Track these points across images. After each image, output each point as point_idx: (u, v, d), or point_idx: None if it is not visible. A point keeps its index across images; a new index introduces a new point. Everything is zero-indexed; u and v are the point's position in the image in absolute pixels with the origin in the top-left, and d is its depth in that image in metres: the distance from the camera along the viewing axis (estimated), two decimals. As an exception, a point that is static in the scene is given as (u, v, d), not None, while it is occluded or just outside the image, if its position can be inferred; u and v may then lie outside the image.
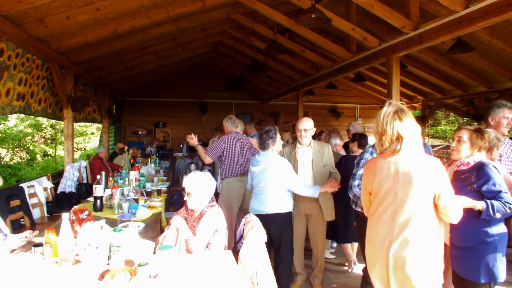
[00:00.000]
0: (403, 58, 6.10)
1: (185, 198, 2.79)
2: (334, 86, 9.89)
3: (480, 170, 2.43)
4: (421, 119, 11.18)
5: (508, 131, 3.33)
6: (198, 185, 2.74)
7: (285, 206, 3.40)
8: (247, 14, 6.49)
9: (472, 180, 2.45)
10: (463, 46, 5.50)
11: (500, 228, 2.43)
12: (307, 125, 3.52)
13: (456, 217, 2.03)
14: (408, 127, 2.02)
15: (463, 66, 7.68)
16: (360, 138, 4.04)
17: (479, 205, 2.36)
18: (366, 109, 13.62)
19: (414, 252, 1.96)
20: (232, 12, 6.28)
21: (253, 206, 3.49)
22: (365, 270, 3.06)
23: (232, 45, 8.55)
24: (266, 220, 3.29)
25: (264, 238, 2.53)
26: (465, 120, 12.09)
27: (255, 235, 2.46)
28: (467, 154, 2.53)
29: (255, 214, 3.42)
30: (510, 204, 2.32)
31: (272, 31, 6.50)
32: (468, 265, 2.44)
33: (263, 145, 3.44)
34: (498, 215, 2.32)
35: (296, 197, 3.58)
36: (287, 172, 3.33)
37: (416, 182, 1.99)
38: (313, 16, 4.17)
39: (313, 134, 3.59)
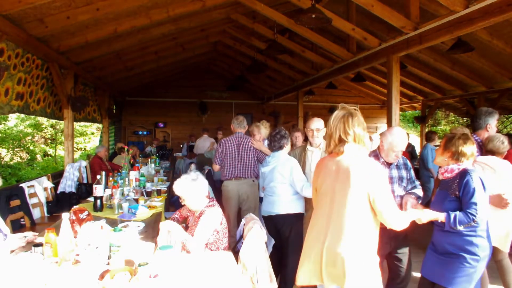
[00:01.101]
0: (403, 58, 6.10)
1: (181, 202, 2.81)
2: (334, 86, 9.89)
3: (462, 178, 2.36)
4: (421, 119, 11.19)
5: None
6: (184, 188, 2.74)
7: (295, 207, 3.33)
8: (247, 14, 6.49)
9: (454, 188, 2.40)
10: (463, 46, 5.49)
11: (483, 241, 2.35)
12: (319, 125, 3.45)
13: (395, 225, 2.05)
14: (353, 131, 2.08)
15: (463, 66, 7.67)
16: None
17: (441, 216, 2.36)
18: (366, 109, 13.61)
19: (345, 249, 2.01)
20: (232, 12, 6.28)
21: (264, 208, 3.44)
22: None
23: (232, 45, 8.55)
24: (276, 221, 3.26)
25: (264, 238, 2.53)
26: (465, 120, 12.09)
27: (255, 235, 2.46)
28: (440, 159, 2.50)
29: (265, 216, 3.39)
30: (475, 216, 2.25)
31: (272, 31, 6.50)
32: (444, 270, 2.39)
33: (279, 146, 3.41)
34: (461, 227, 2.28)
35: (307, 198, 3.49)
36: (294, 171, 3.27)
37: (352, 183, 2.04)
38: (313, 16, 4.16)
39: (324, 134, 3.45)
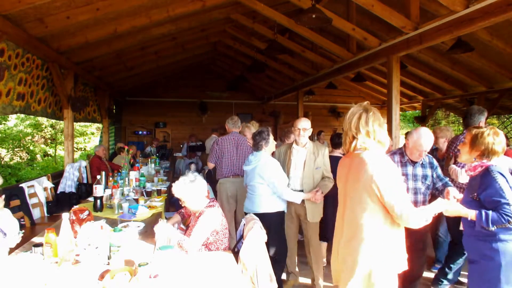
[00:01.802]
0: (403, 58, 6.10)
1: (181, 204, 2.82)
2: (334, 86, 9.89)
3: (484, 176, 2.20)
4: (421, 119, 11.18)
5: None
6: (183, 190, 2.75)
7: (275, 205, 3.40)
8: (247, 14, 6.49)
9: (475, 188, 2.24)
10: (463, 46, 5.50)
11: (505, 246, 2.13)
12: (305, 125, 3.51)
13: (410, 221, 1.89)
14: (366, 128, 2.01)
15: (463, 66, 7.67)
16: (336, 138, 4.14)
17: (471, 213, 2.17)
18: (366, 109, 13.60)
19: (355, 248, 1.99)
20: (232, 12, 6.27)
21: (246, 205, 3.55)
22: None
23: (232, 45, 8.55)
24: (260, 219, 3.29)
25: (264, 238, 2.54)
26: (465, 120, 12.06)
27: (255, 235, 2.46)
28: (466, 158, 2.34)
29: (247, 214, 3.42)
30: (510, 217, 2.06)
31: (272, 31, 6.50)
32: (471, 278, 2.29)
33: (256, 146, 3.48)
34: (493, 228, 2.10)
35: None
36: (273, 172, 3.34)
37: (361, 180, 1.98)
38: (313, 16, 4.16)
39: (309, 134, 3.59)
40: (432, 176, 2.92)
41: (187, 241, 2.54)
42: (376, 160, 1.97)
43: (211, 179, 5.92)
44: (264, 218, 3.26)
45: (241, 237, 2.78)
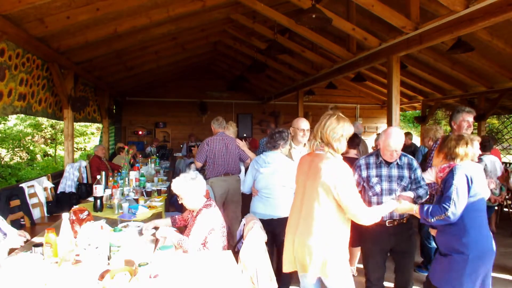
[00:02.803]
0: (403, 58, 6.09)
1: (179, 201, 2.83)
2: (334, 86, 9.88)
3: (448, 175, 2.35)
4: (421, 119, 11.18)
5: (472, 133, 3.50)
6: (183, 187, 2.77)
7: None
8: (247, 14, 6.49)
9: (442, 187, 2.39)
10: (463, 46, 5.49)
11: (479, 239, 2.28)
12: (308, 125, 3.51)
13: (363, 220, 2.21)
14: (326, 133, 2.26)
15: (463, 66, 7.67)
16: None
17: (415, 208, 2.38)
18: (366, 109, 13.62)
19: (310, 240, 2.23)
20: (232, 12, 6.27)
21: (259, 210, 3.31)
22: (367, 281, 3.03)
23: (232, 45, 8.55)
24: (275, 224, 3.18)
25: (264, 238, 2.54)
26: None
27: (255, 235, 2.46)
28: (436, 161, 2.52)
29: (262, 219, 3.20)
30: (446, 209, 2.22)
31: (272, 31, 6.50)
32: (438, 271, 2.39)
33: (273, 145, 3.33)
34: (434, 220, 2.27)
35: None
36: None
37: (319, 180, 2.22)
38: (314, 16, 4.16)
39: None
40: (410, 177, 2.82)
41: (186, 241, 2.56)
42: (334, 162, 2.23)
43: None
44: (283, 222, 3.20)
45: (241, 237, 2.78)
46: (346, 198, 2.18)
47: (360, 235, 2.91)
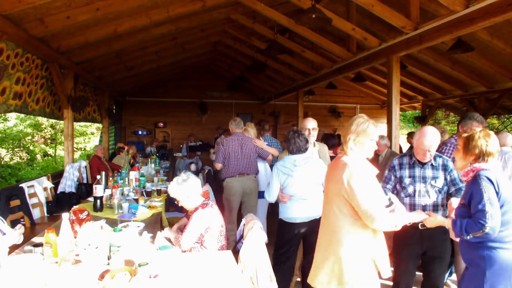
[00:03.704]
0: (403, 58, 6.09)
1: (178, 203, 2.87)
2: (334, 86, 9.88)
3: (472, 182, 2.12)
4: (421, 119, 11.18)
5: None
6: (177, 190, 2.82)
7: None
8: (247, 14, 6.48)
9: (464, 194, 2.19)
10: (463, 46, 5.49)
11: (492, 253, 2.04)
12: (315, 124, 3.49)
13: (377, 225, 2.04)
14: (352, 136, 2.21)
15: (463, 66, 7.67)
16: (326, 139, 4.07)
17: (447, 222, 2.19)
18: (366, 109, 13.60)
19: (330, 248, 2.16)
20: (232, 12, 6.27)
21: (296, 214, 3.17)
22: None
23: (232, 45, 8.54)
24: (314, 224, 3.03)
25: (265, 238, 2.54)
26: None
27: (255, 235, 2.46)
28: (462, 164, 2.24)
29: (305, 222, 3.17)
30: (483, 225, 1.96)
31: (272, 31, 6.49)
32: (461, 282, 2.28)
33: (305, 148, 3.21)
34: (470, 237, 2.03)
35: None
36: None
37: (337, 183, 2.15)
38: (313, 16, 4.16)
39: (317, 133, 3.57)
40: (446, 179, 2.71)
41: (180, 238, 2.65)
42: (351, 165, 2.12)
43: (212, 178, 5.94)
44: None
45: (241, 237, 2.78)
46: (357, 203, 2.05)
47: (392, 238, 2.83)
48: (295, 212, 3.19)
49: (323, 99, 12.89)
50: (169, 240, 2.76)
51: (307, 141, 3.24)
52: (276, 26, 6.27)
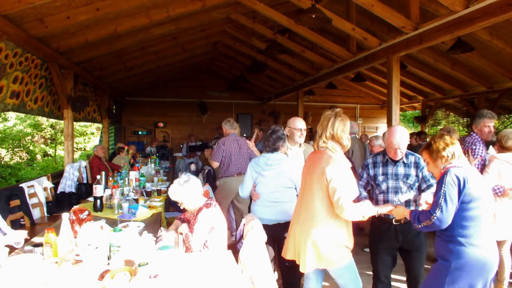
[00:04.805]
0: (403, 58, 6.10)
1: (180, 206, 2.85)
2: (334, 86, 9.89)
3: (440, 178, 2.19)
4: (421, 119, 11.18)
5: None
6: (179, 192, 2.77)
7: None
8: (247, 14, 6.48)
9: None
10: (463, 46, 5.49)
11: (460, 248, 2.10)
12: (305, 125, 3.44)
13: (346, 215, 2.30)
14: (331, 131, 2.43)
15: (463, 66, 7.67)
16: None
17: (407, 213, 2.39)
18: (366, 109, 13.62)
19: (308, 232, 2.37)
20: (232, 12, 6.27)
21: (263, 215, 3.05)
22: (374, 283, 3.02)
23: (232, 45, 8.55)
24: (280, 228, 3.02)
25: (264, 238, 2.54)
26: (465, 120, 12.08)
27: (255, 236, 2.46)
28: (436, 172, 2.30)
29: (270, 225, 3.05)
30: (432, 214, 2.11)
31: (272, 31, 6.49)
32: (428, 275, 2.34)
33: (273, 148, 3.12)
34: (421, 225, 2.19)
35: None
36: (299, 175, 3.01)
37: (316, 175, 2.39)
38: (313, 16, 4.16)
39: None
40: (417, 176, 2.80)
41: (190, 238, 2.61)
42: (331, 159, 2.35)
43: (212, 178, 5.93)
44: (287, 226, 3.01)
45: (241, 237, 2.78)
46: (334, 186, 2.29)
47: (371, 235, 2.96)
48: (262, 213, 3.09)
49: (323, 99, 12.90)
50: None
51: (280, 140, 3.11)
52: (276, 26, 6.27)
